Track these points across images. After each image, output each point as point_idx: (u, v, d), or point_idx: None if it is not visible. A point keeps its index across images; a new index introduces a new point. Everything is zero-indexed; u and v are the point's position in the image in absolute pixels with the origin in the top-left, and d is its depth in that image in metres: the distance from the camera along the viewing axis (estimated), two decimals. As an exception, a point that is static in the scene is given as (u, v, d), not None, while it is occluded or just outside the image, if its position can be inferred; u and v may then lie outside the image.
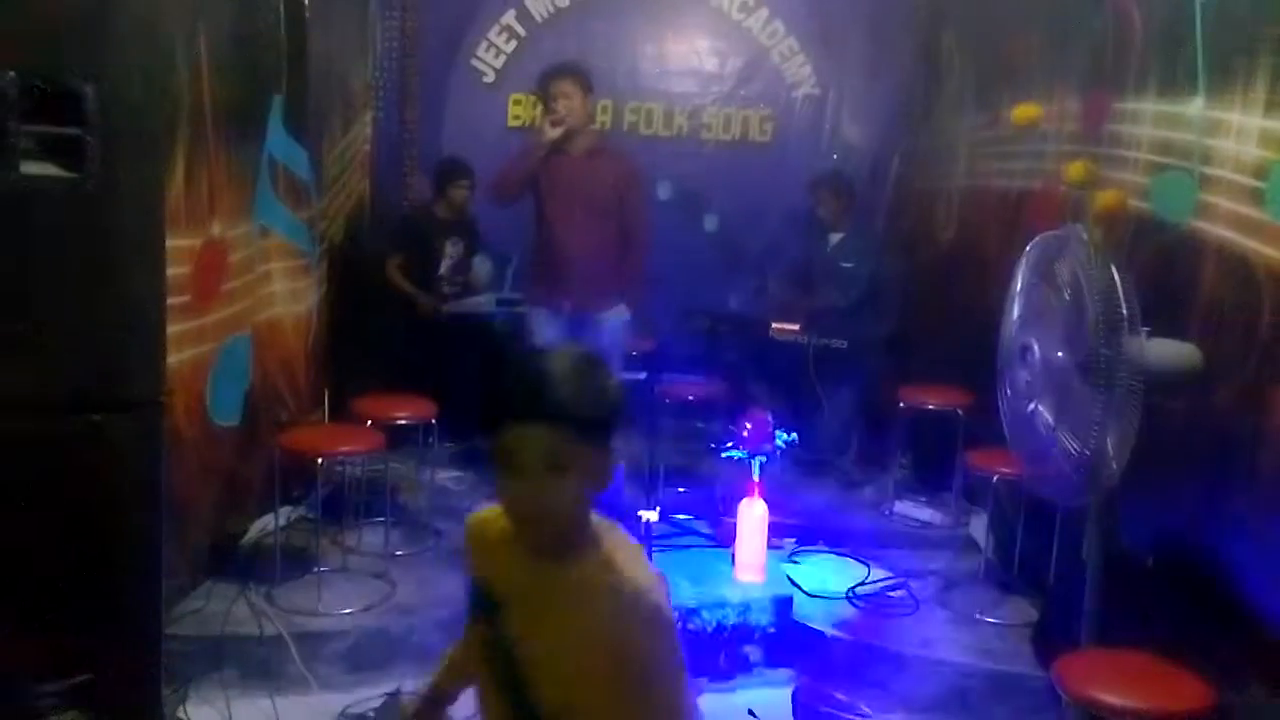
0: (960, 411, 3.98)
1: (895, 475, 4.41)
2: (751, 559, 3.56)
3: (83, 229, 1.92)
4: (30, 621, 2.02)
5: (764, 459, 3.53)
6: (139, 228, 2.01)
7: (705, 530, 3.88)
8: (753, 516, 3.55)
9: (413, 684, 3.16)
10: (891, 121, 5.31)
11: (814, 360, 4.61)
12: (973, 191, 4.57)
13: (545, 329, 3.99)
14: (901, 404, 4.18)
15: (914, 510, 4.28)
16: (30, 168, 1.84)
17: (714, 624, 3.36)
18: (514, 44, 5.29)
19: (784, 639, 3.40)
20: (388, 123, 5.13)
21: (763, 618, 3.42)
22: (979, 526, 3.92)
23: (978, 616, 3.42)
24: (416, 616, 3.32)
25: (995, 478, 3.41)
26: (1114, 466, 2.38)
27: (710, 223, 5.33)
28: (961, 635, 3.33)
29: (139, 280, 2.02)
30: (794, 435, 3.60)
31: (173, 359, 3.07)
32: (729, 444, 3.48)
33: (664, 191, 5.01)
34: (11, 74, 1.81)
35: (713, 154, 5.38)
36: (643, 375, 3.82)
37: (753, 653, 3.38)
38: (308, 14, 3.97)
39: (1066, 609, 2.80)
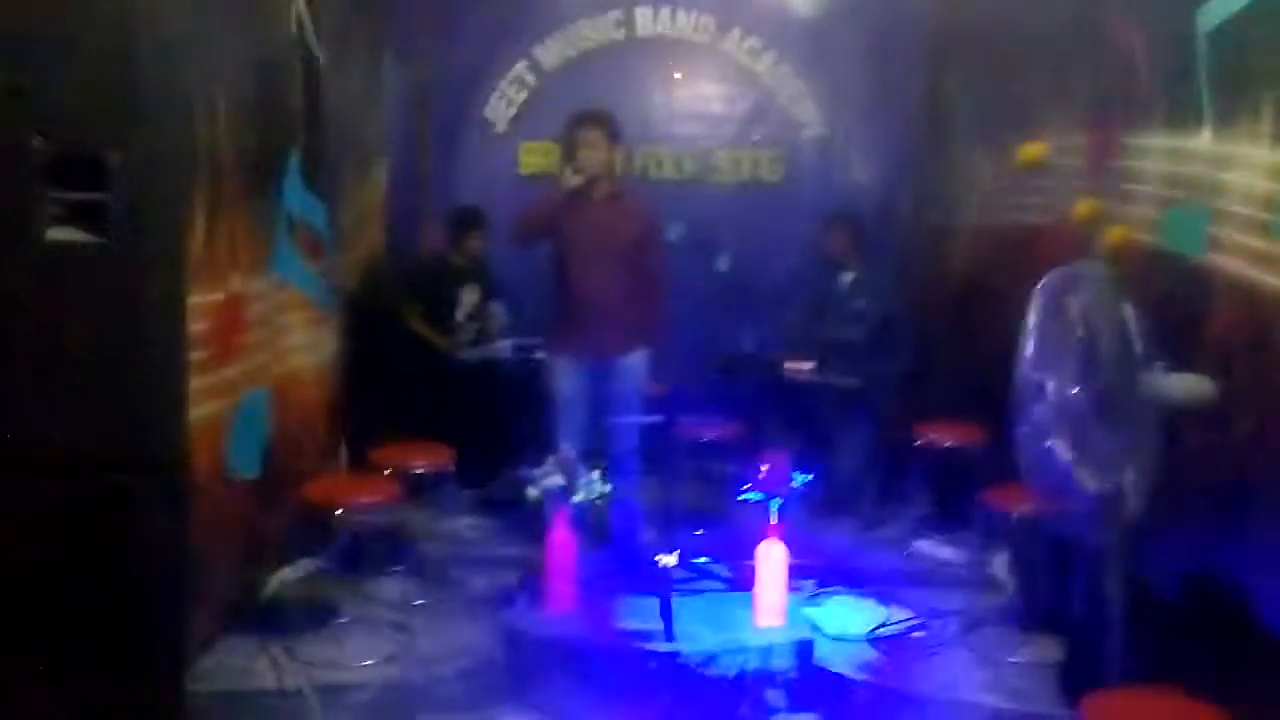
0: (978, 448, 3.96)
1: (914, 514, 4.38)
2: (772, 602, 3.54)
3: (107, 291, 1.95)
4: (56, 676, 2.03)
5: (782, 501, 3.52)
6: (162, 289, 2.05)
7: (724, 574, 3.86)
8: (772, 559, 3.53)
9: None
10: (900, 160, 5.35)
11: (828, 399, 4.60)
12: (984, 229, 4.59)
13: (565, 375, 4.02)
14: (918, 442, 4.17)
15: (934, 549, 4.25)
16: (56, 233, 1.88)
17: (735, 669, 3.34)
18: (525, 94, 5.37)
19: (806, 683, 3.37)
20: (401, 174, 5.21)
21: (784, 662, 3.39)
22: (1001, 565, 3.89)
23: (1002, 656, 3.38)
24: (437, 666, 3.31)
25: (1015, 515, 3.39)
26: (1134, 502, 2.37)
27: (722, 264, 5.36)
28: (986, 676, 3.29)
29: (161, 341, 2.06)
30: (811, 476, 3.58)
31: (192, 414, 3.12)
32: (746, 486, 3.47)
33: (675, 233, 5.04)
34: (39, 140, 1.86)
35: (723, 196, 5.42)
36: (660, 418, 3.84)
37: (775, 698, 3.34)
38: (321, 70, 4.05)
39: (1092, 647, 2.77)
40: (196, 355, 3.12)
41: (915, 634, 3.60)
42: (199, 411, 3.19)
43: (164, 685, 2.23)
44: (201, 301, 3.16)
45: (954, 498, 4.19)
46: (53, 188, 1.87)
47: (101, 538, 1.99)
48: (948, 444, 4.11)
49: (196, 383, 3.15)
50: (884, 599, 3.83)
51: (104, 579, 1.99)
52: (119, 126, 1.96)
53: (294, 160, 3.85)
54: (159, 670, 2.19)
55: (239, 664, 3.22)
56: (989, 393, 3.24)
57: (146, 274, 1.99)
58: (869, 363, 4.61)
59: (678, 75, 5.41)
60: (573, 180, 3.86)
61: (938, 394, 4.46)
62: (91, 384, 1.96)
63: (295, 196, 3.88)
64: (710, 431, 4.35)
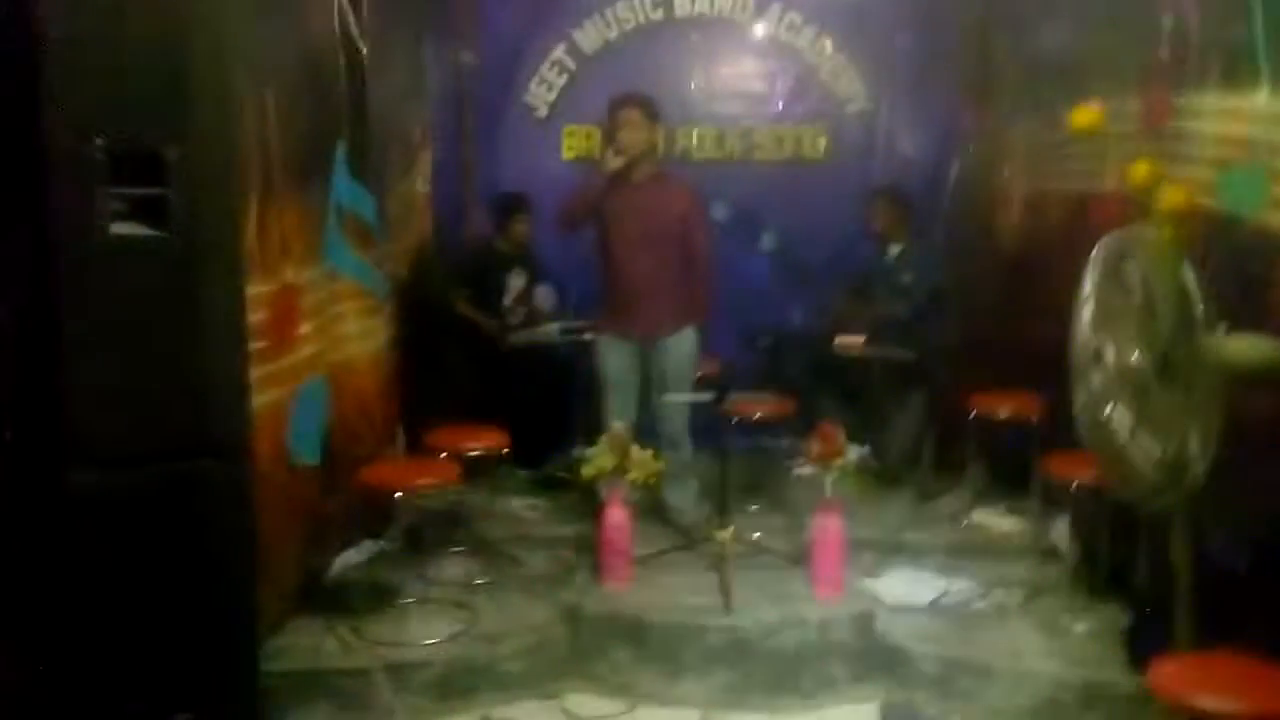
0: (1033, 417, 3.92)
1: (971, 485, 4.35)
2: (830, 575, 3.55)
3: (168, 283, 2.01)
4: (131, 664, 2.09)
5: (836, 474, 3.52)
6: (221, 280, 2.10)
7: (781, 549, 3.87)
8: (828, 532, 3.54)
9: (499, 711, 3.22)
10: (947, 130, 5.28)
11: (880, 373, 4.58)
12: (1035, 195, 4.52)
13: (613, 355, 4.04)
14: (973, 413, 4.13)
15: (993, 520, 4.22)
16: (119, 228, 1.94)
17: (795, 644, 3.35)
18: (565, 78, 5.38)
19: (867, 656, 3.38)
20: (446, 162, 5.24)
21: (844, 635, 3.41)
22: (1061, 533, 3.85)
23: (1065, 625, 3.36)
24: (499, 644, 3.37)
25: (1075, 484, 3.35)
26: (1198, 467, 2.34)
27: (768, 241, 5.34)
28: (1050, 644, 3.27)
29: (222, 330, 2.11)
30: (866, 448, 3.58)
31: (254, 402, 3.20)
32: (800, 460, 3.48)
33: (720, 213, 5.03)
34: (99, 141, 1.91)
35: (767, 173, 5.38)
36: (709, 397, 3.85)
37: (836, 671, 3.37)
38: (365, 62, 4.09)
39: (1157, 613, 2.75)
40: (255, 345, 3.21)
41: (976, 604, 3.59)
42: (259, 400, 3.25)
43: (239, 667, 2.29)
44: (257, 293, 3.23)
45: (1011, 468, 4.16)
46: (114, 184, 1.92)
47: (169, 525, 2.04)
48: (1003, 414, 4.07)
49: (256, 372, 3.20)
50: (943, 570, 3.81)
51: (173, 564, 2.05)
52: (175, 123, 2.01)
53: (341, 152, 3.90)
54: (233, 653, 2.24)
55: (308, 644, 3.30)
56: (1045, 360, 3.21)
57: (206, 265, 2.04)
58: (920, 334, 4.58)
59: (718, 54, 5.38)
60: (614, 162, 3.88)
61: (992, 363, 4.41)
62: (157, 374, 2.01)
63: (344, 187, 3.93)
64: (762, 408, 4.34)
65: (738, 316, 4.79)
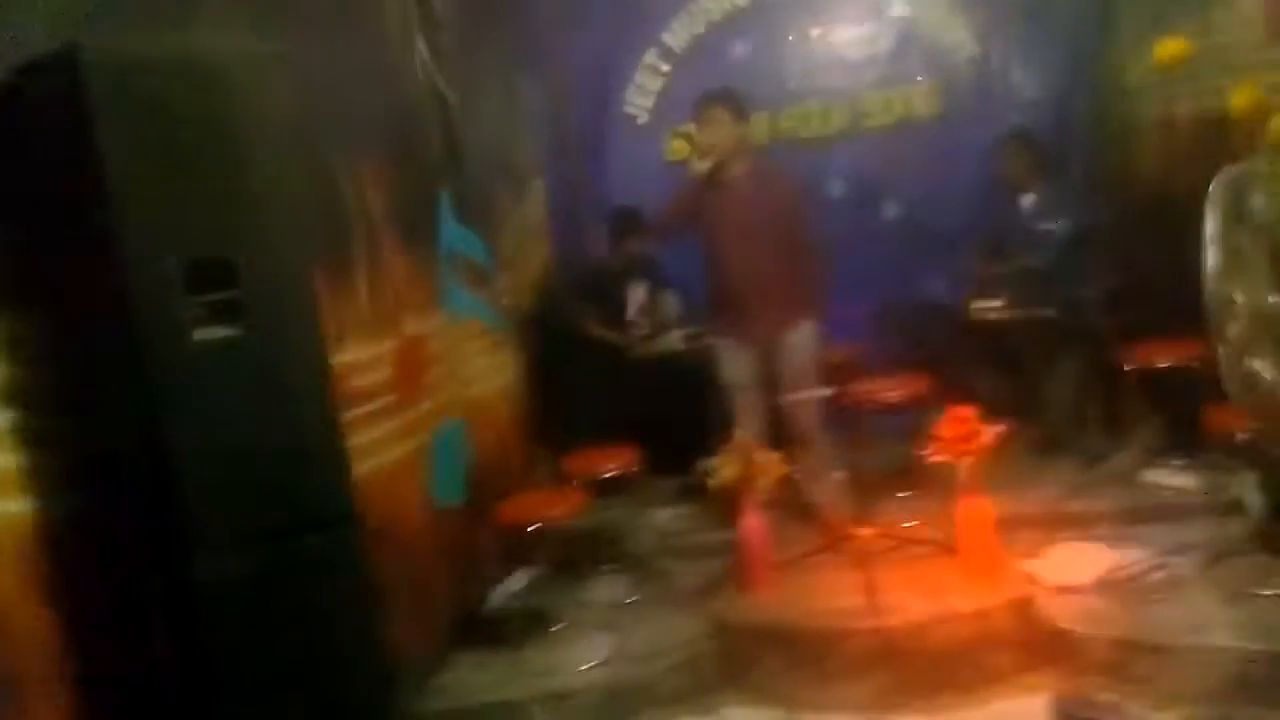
0: (1198, 365, 3.59)
1: (1141, 442, 4.03)
2: (984, 562, 3.37)
3: (256, 377, 2.13)
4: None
5: (979, 454, 3.34)
6: (304, 366, 2.21)
7: (930, 537, 3.71)
8: (975, 517, 3.37)
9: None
10: (1071, 61, 4.90)
11: (1026, 334, 4.31)
12: (1168, 125, 4.14)
13: (731, 360, 3.99)
14: (1130, 365, 3.83)
15: (1168, 478, 3.90)
16: (201, 333, 2.07)
17: (952, 637, 3.20)
18: (660, 81, 5.35)
19: (1032, 644, 3.19)
20: (557, 185, 5.31)
21: (1006, 623, 3.22)
22: (1245, 488, 3.51)
23: (1252, 591, 3.06)
24: (653, 662, 3.38)
25: (1239, 436, 3.05)
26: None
27: (889, 210, 5.12)
28: (1236, 614, 2.99)
29: (313, 412, 2.22)
30: (1003, 425, 3.37)
31: (393, 452, 3.38)
32: (931, 447, 3.31)
33: (836, 189, 4.87)
34: (174, 259, 2.05)
35: (879, 140, 5.17)
36: (832, 390, 3.73)
37: (1000, 662, 3.19)
38: (455, 110, 4.20)
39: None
40: (383, 401, 3.38)
41: (1152, 575, 3.32)
42: (396, 451, 3.45)
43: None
44: (377, 351, 3.40)
45: (1182, 421, 3.83)
46: (191, 293, 2.05)
47: (291, 600, 2.17)
48: (1163, 364, 3.75)
49: (388, 425, 3.41)
50: (1113, 540, 3.55)
51: (300, 635, 2.17)
52: (241, 229, 2.14)
53: (445, 200, 4.02)
54: (373, 706, 2.36)
55: (468, 680, 3.42)
56: (1200, 301, 2.92)
57: (287, 352, 2.16)
58: (1064, 288, 4.27)
59: (810, 26, 5.20)
60: (700, 165, 3.82)
61: (1145, 310, 4.06)
62: (255, 461, 2.13)
63: (452, 234, 4.06)
64: (896, 390, 4.16)
65: (867, 295, 4.63)
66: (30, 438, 2.07)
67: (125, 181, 2.01)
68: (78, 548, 2.13)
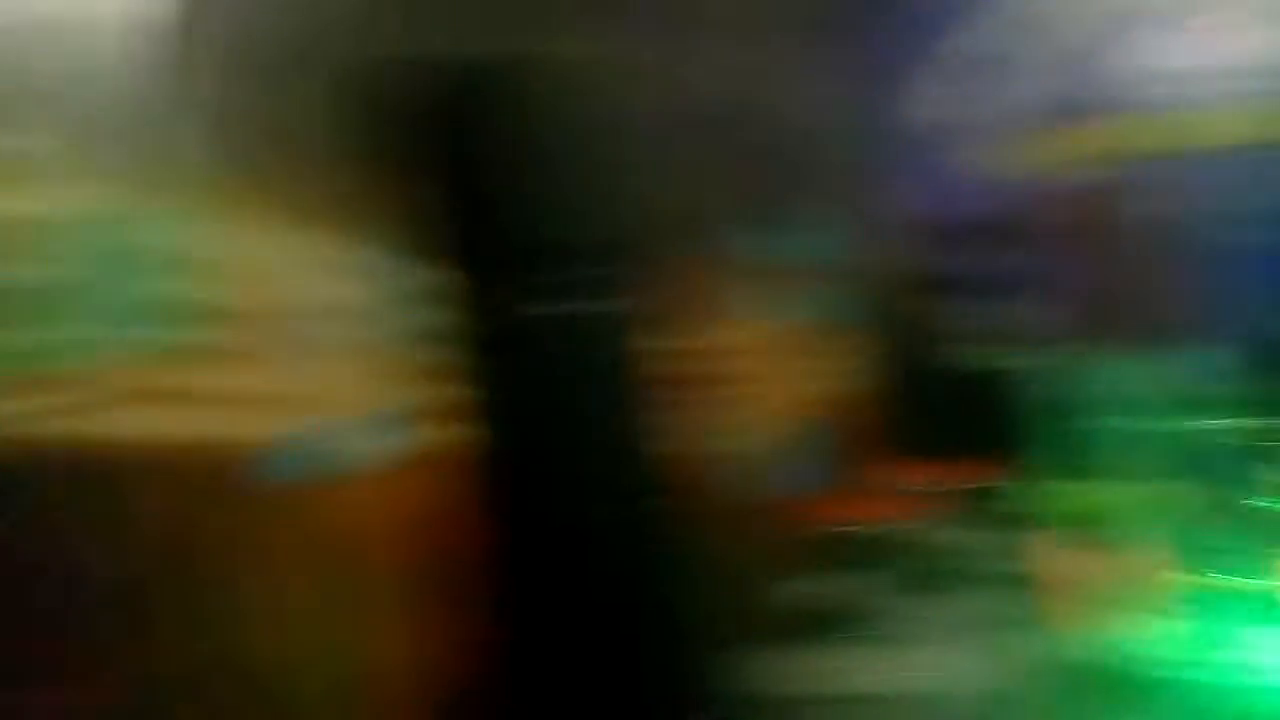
0: None
1: None
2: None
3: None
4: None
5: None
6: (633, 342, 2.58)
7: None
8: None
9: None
10: None
11: None
12: None
13: (1081, 380, 3.78)
14: None
15: None
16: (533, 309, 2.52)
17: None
18: (1003, 85, 5.08)
19: None
20: (891, 192, 5.22)
21: None
22: None
23: None
24: (956, 684, 3.31)
25: None
26: None
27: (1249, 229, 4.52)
28: None
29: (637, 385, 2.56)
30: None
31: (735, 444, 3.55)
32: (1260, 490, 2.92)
33: (1178, 209, 4.39)
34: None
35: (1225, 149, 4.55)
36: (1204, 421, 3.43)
37: None
38: (799, 111, 4.31)
39: None
40: (736, 388, 3.57)
41: None
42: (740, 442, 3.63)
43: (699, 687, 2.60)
44: (734, 340, 3.64)
45: None
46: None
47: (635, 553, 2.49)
48: None
49: (733, 416, 3.60)
50: None
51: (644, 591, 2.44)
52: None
53: (771, 210, 4.18)
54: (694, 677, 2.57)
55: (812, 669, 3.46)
56: None
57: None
58: None
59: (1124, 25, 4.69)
60: (1041, 175, 3.65)
61: None
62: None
63: (783, 243, 4.20)
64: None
65: (1232, 325, 4.15)
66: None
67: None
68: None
